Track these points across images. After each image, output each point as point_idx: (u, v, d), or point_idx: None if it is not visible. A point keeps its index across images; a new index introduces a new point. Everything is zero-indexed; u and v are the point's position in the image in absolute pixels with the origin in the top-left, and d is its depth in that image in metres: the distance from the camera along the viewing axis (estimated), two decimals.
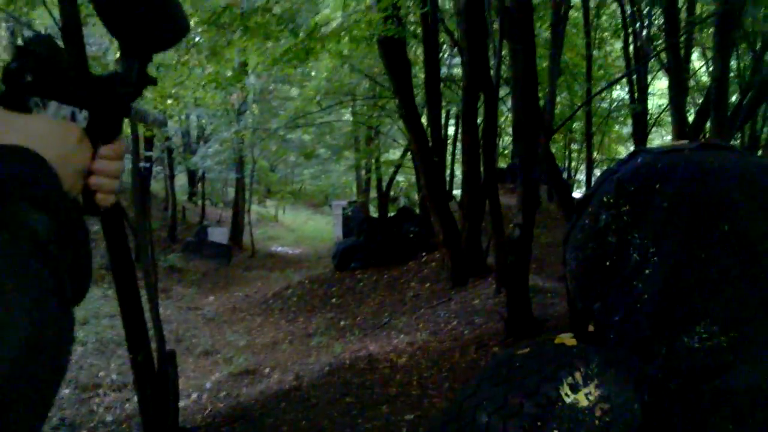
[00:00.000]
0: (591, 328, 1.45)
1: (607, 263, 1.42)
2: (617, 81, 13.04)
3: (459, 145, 16.78)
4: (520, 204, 5.53)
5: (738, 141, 9.65)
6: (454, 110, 16.44)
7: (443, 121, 14.88)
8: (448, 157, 16.14)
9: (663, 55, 7.36)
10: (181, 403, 5.96)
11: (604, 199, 1.42)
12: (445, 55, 13.89)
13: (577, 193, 16.70)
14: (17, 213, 0.57)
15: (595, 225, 1.45)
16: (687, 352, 1.29)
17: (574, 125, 15.29)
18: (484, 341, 5.88)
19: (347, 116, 18.82)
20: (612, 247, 1.41)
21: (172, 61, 8.83)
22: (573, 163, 21.17)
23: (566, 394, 1.20)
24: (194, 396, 6.21)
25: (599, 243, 1.43)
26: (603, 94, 14.14)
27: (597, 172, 20.89)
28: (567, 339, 1.41)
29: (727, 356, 1.29)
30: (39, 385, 0.52)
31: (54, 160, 0.68)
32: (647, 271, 1.34)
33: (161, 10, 0.82)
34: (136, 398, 4.60)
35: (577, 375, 1.24)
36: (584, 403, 1.20)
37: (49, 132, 0.71)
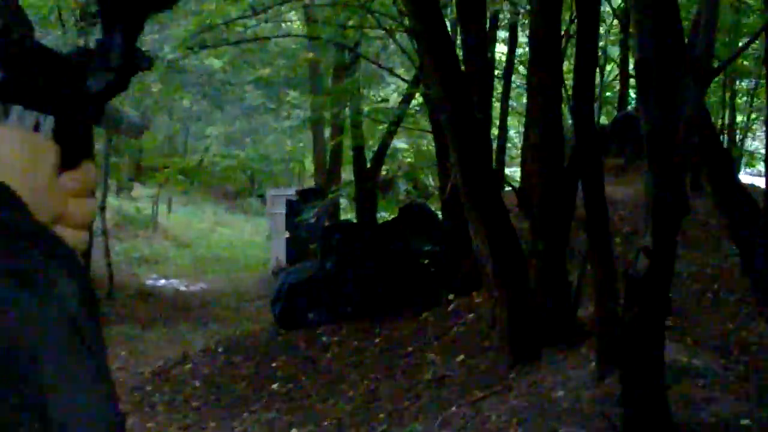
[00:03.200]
0: None
1: None
2: None
3: (519, 90, 11.30)
4: (649, 211, 2.94)
5: None
6: (505, 22, 9.60)
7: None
8: (496, 113, 10.06)
9: None
10: None
11: None
12: None
13: (743, 175, 10.81)
14: (46, 274, 0.43)
15: None
16: None
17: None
18: None
19: (297, 24, 10.70)
20: None
21: None
22: (741, 117, 12.76)
23: None
24: None
25: None
26: None
27: None
28: None
29: None
30: None
31: (26, 196, 0.46)
32: None
33: None
34: None
35: None
36: None
37: (20, 155, 0.48)
